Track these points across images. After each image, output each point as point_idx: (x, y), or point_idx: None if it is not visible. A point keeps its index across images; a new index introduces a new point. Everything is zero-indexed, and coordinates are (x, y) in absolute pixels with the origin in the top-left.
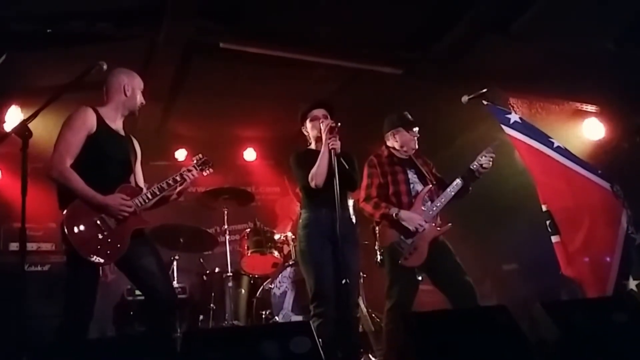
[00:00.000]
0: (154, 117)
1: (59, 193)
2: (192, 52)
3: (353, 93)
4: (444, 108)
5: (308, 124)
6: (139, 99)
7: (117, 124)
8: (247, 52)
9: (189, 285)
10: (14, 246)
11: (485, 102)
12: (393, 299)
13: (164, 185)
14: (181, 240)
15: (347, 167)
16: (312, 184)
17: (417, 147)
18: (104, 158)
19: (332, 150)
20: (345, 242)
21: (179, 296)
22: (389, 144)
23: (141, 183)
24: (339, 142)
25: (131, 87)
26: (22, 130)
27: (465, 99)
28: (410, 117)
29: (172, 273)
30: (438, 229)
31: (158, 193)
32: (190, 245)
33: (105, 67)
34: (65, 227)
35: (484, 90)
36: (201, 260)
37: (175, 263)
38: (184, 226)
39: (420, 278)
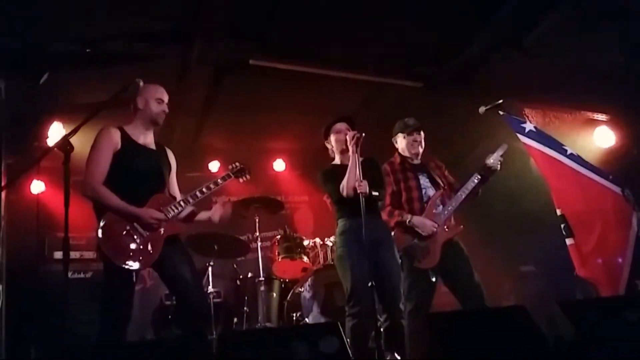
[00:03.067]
0: (189, 131)
1: (95, 207)
2: (224, 70)
3: (376, 106)
4: (463, 119)
5: (332, 138)
6: (156, 108)
7: (144, 139)
8: (275, 68)
9: (223, 289)
10: (58, 255)
11: (501, 113)
12: (413, 301)
13: (198, 193)
14: (215, 247)
15: (370, 170)
16: (344, 194)
17: (419, 151)
18: (133, 172)
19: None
20: (381, 245)
21: (214, 300)
22: (399, 150)
23: (176, 193)
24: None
25: (144, 99)
26: (64, 144)
27: (482, 109)
28: (410, 121)
29: (207, 278)
30: (449, 231)
31: (191, 201)
32: (224, 252)
33: (141, 84)
34: (99, 236)
35: (500, 101)
36: (235, 266)
37: (210, 269)
38: (218, 234)
39: (434, 279)
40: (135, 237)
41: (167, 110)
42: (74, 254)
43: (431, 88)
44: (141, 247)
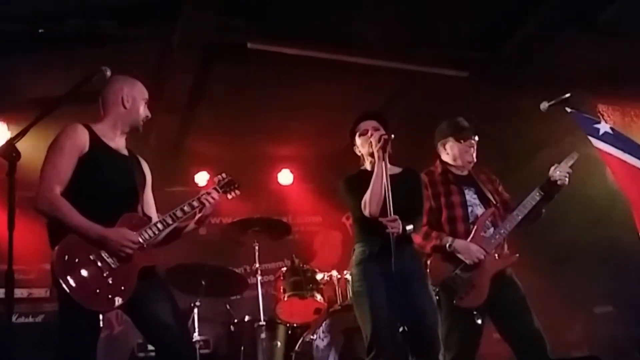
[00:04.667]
0: (169, 133)
1: (50, 229)
2: (214, 55)
3: (410, 101)
4: (519, 117)
5: (358, 140)
6: (142, 111)
7: (116, 142)
8: (280, 53)
9: (213, 337)
10: None
11: (568, 110)
12: (453, 350)
13: (178, 213)
14: (203, 282)
15: (407, 187)
16: (366, 212)
17: (474, 159)
18: (101, 183)
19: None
20: (412, 279)
21: (201, 351)
22: (442, 157)
23: (152, 212)
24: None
25: (131, 98)
26: (9, 151)
27: (544, 105)
28: (464, 123)
29: (192, 323)
30: (501, 260)
31: (170, 223)
32: (214, 289)
33: (108, 73)
34: (55, 268)
35: (567, 95)
36: (227, 307)
37: (195, 311)
38: (207, 265)
39: (480, 321)
40: (101, 268)
41: (149, 114)
42: (20, 292)
43: (478, 78)
44: (109, 281)
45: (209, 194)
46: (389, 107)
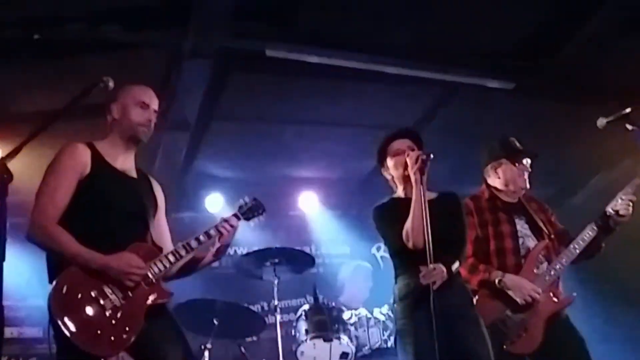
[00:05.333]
0: (177, 152)
1: (49, 261)
2: (229, 64)
3: (448, 116)
4: (571, 136)
5: (389, 162)
6: (137, 116)
7: (122, 162)
8: (302, 62)
9: None
10: None
11: (630, 127)
12: None
13: (193, 243)
14: (215, 321)
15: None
16: (410, 245)
17: (528, 186)
18: (104, 208)
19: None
20: (460, 317)
21: None
22: (489, 181)
23: (164, 242)
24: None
25: (120, 105)
26: None
27: (602, 122)
28: (517, 144)
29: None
30: (557, 300)
31: (184, 254)
32: (228, 329)
33: (111, 84)
34: (53, 305)
35: (628, 110)
36: (242, 350)
37: (206, 354)
38: (219, 302)
39: None
40: (103, 305)
41: (154, 119)
42: (9, 331)
43: (526, 90)
44: (112, 321)
45: (227, 221)
46: (424, 124)
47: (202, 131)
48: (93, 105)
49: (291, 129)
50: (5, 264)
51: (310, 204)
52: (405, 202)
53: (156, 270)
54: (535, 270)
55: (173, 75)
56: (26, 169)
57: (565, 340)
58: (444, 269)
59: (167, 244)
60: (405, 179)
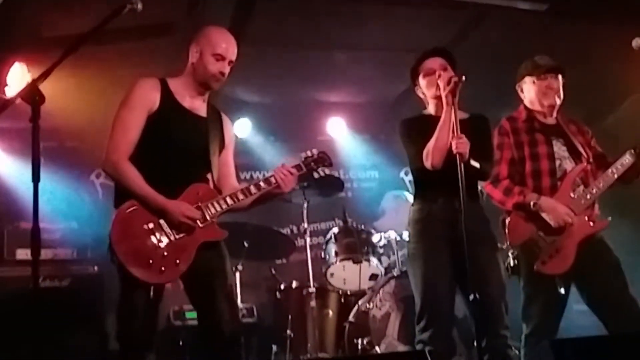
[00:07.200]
0: None
1: (117, 188)
2: None
3: (478, 39)
4: (606, 57)
5: (421, 81)
6: (213, 68)
7: (192, 102)
8: None
9: (257, 305)
10: (22, 254)
11: None
12: (533, 321)
13: (252, 189)
14: (245, 244)
15: (475, 133)
16: (428, 164)
17: (556, 103)
18: (168, 146)
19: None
20: (477, 243)
21: (245, 320)
22: (525, 102)
23: (227, 180)
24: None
25: (199, 50)
26: (31, 94)
27: (637, 42)
28: (542, 61)
29: (234, 288)
30: (592, 224)
31: (242, 199)
32: (258, 252)
33: (139, 6)
34: (112, 232)
35: None
36: (273, 272)
37: (237, 275)
38: (250, 225)
39: (562, 291)
40: (159, 238)
41: (227, 71)
42: (45, 253)
43: (558, 11)
44: (164, 253)
45: (290, 173)
46: (455, 46)
47: None
48: (121, 28)
49: (318, 53)
50: (40, 186)
51: (338, 129)
52: (435, 119)
53: (212, 211)
54: (571, 194)
55: (200, 1)
56: (58, 93)
57: (599, 262)
58: (468, 143)
59: (230, 182)
60: (437, 98)
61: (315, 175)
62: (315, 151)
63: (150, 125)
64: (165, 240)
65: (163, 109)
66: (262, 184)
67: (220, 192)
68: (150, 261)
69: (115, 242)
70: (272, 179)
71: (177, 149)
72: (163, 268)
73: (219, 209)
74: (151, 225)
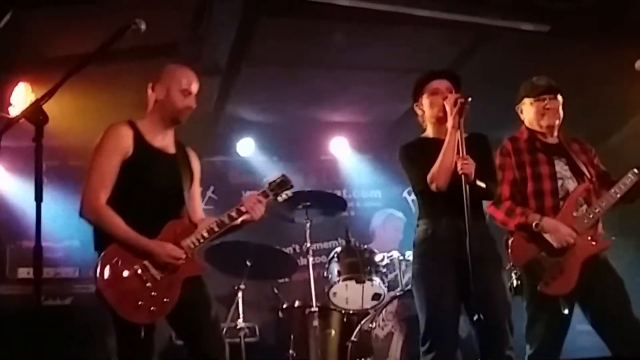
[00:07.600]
0: (208, 97)
1: (96, 233)
2: (259, 6)
3: (481, 60)
4: (609, 78)
5: (425, 100)
6: (179, 102)
7: (161, 140)
8: (335, 5)
9: (259, 324)
10: (24, 272)
11: None
12: (536, 342)
13: (225, 219)
14: (248, 263)
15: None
16: (433, 186)
17: (554, 123)
18: (144, 188)
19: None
20: (482, 263)
21: (246, 339)
22: (525, 123)
23: (197, 213)
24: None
25: (164, 87)
26: (35, 113)
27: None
28: (540, 82)
29: (237, 308)
30: (594, 243)
31: (217, 230)
32: (261, 271)
33: (143, 26)
34: (97, 279)
35: None
36: (275, 291)
37: (240, 294)
38: (252, 244)
39: (566, 311)
40: (145, 279)
41: (194, 105)
42: (46, 271)
43: (561, 33)
44: (152, 293)
45: (258, 201)
46: (458, 67)
47: (233, 76)
48: (124, 49)
49: (322, 73)
50: (42, 205)
51: (341, 148)
52: (433, 142)
53: (191, 245)
54: (574, 213)
55: (202, 19)
56: (61, 113)
57: (603, 282)
58: (474, 164)
59: (199, 213)
60: (439, 120)
61: (279, 199)
62: (277, 176)
63: (125, 169)
64: (150, 280)
65: (136, 152)
66: (233, 214)
67: (195, 226)
68: (140, 302)
69: (103, 288)
70: (243, 208)
71: (152, 190)
72: (152, 308)
73: (197, 243)
74: (137, 267)
